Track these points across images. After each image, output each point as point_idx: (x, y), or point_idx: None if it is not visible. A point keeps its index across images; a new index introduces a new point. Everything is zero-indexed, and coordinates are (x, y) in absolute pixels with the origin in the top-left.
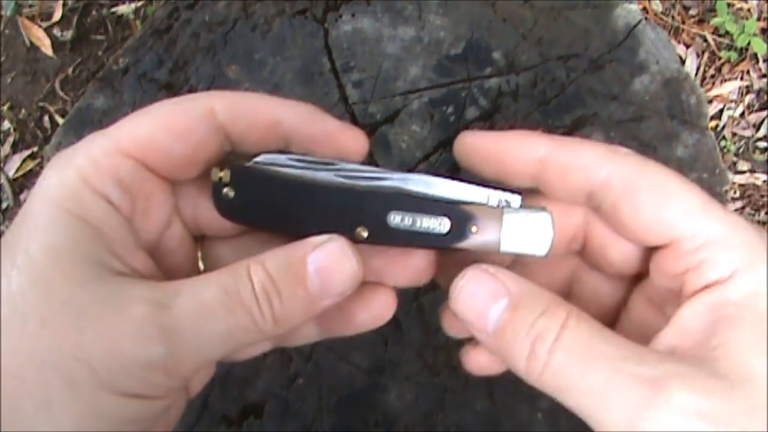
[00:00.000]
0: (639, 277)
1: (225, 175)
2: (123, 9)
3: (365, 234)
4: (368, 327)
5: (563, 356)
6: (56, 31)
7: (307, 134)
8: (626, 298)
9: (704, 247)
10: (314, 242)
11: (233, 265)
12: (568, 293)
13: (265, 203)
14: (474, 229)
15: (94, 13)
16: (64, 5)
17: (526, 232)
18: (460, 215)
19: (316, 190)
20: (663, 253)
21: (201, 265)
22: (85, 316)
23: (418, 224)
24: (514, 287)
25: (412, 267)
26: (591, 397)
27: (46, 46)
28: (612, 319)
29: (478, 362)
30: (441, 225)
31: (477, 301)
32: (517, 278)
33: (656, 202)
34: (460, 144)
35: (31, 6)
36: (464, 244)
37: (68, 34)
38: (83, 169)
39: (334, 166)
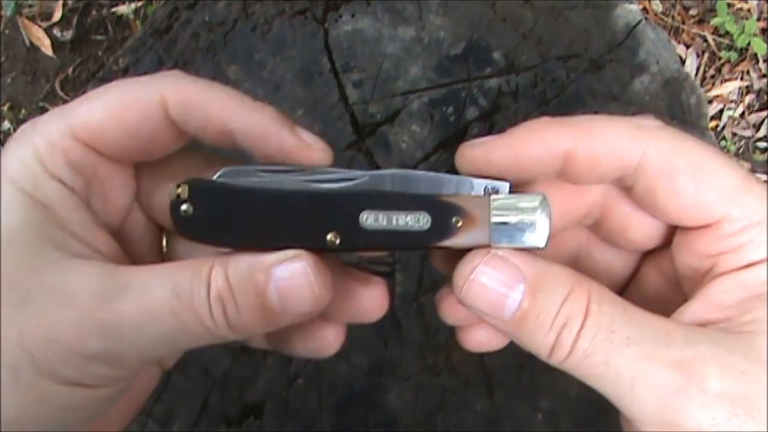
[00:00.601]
0: (652, 249)
1: (183, 191)
2: (123, 9)
3: (337, 240)
4: (309, 356)
5: (587, 344)
6: (56, 31)
7: (262, 150)
8: (637, 268)
9: (745, 230)
10: (281, 257)
11: (195, 262)
12: (574, 265)
13: (227, 219)
14: (459, 222)
15: (94, 13)
16: (64, 5)
17: (519, 221)
18: (441, 207)
19: (280, 199)
20: (696, 234)
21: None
22: (30, 303)
23: (394, 222)
24: (530, 270)
25: (359, 305)
26: (618, 385)
27: (46, 46)
28: (621, 288)
29: (477, 339)
30: (420, 221)
31: (491, 291)
32: (530, 259)
33: (695, 185)
34: (464, 158)
35: (31, 6)
36: (449, 242)
37: (68, 34)
38: (39, 149)
39: (302, 171)
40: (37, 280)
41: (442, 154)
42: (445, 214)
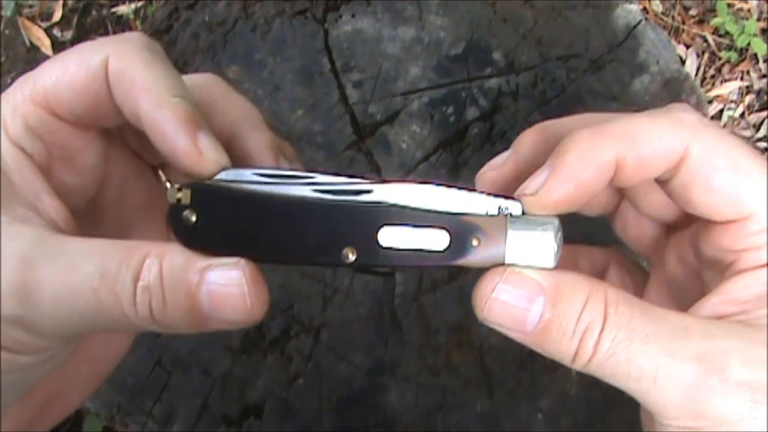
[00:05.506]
0: (676, 226)
1: (184, 196)
2: (123, 9)
3: (353, 257)
4: None
5: (608, 345)
6: (56, 31)
7: (158, 145)
8: (665, 243)
9: None
10: (219, 261)
11: (131, 244)
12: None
13: (233, 228)
14: (475, 242)
15: (94, 13)
16: (64, 5)
17: (532, 242)
18: (460, 227)
19: (293, 209)
20: (721, 228)
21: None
22: None
23: (412, 241)
24: (547, 281)
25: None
26: (642, 382)
27: (46, 46)
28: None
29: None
30: (438, 240)
31: (512, 307)
32: (546, 271)
33: (730, 184)
34: (529, 204)
35: (31, 6)
36: (465, 261)
37: (68, 34)
38: (4, 116)
39: (309, 179)
40: None
41: (442, 154)
42: (463, 233)
